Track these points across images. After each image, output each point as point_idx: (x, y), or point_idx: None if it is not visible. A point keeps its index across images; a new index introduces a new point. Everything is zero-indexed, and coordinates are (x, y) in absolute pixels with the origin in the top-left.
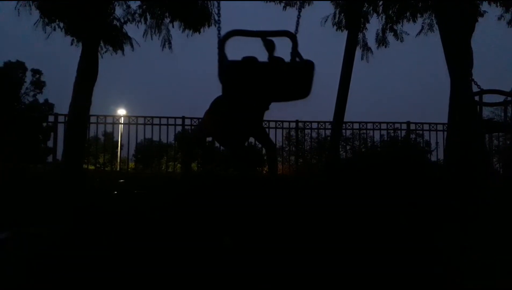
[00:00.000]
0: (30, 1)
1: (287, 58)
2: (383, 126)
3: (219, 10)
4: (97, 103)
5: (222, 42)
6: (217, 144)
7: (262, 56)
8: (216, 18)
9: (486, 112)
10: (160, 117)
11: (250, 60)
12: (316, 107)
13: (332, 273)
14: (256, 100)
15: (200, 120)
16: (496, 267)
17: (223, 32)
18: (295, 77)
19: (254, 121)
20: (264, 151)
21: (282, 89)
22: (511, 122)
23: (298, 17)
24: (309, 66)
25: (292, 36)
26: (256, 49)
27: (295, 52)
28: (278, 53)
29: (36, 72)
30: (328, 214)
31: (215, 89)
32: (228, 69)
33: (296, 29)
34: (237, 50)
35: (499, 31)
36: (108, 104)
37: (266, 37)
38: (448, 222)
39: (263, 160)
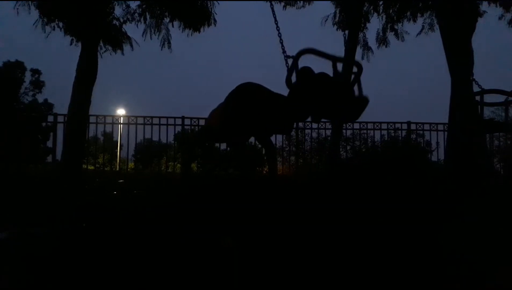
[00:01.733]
0: (29, 1)
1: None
2: (384, 126)
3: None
4: (97, 103)
5: (297, 57)
6: (217, 144)
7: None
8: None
9: (487, 112)
10: (159, 117)
11: (308, 74)
12: None
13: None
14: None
15: (205, 119)
16: (497, 267)
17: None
18: (350, 106)
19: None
20: (264, 151)
21: (336, 109)
22: None
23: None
24: (364, 102)
25: (360, 66)
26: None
27: (357, 79)
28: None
29: (35, 72)
30: (328, 216)
31: (215, 89)
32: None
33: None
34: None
35: (500, 30)
36: (107, 104)
37: (338, 62)
38: (448, 222)
39: (263, 160)
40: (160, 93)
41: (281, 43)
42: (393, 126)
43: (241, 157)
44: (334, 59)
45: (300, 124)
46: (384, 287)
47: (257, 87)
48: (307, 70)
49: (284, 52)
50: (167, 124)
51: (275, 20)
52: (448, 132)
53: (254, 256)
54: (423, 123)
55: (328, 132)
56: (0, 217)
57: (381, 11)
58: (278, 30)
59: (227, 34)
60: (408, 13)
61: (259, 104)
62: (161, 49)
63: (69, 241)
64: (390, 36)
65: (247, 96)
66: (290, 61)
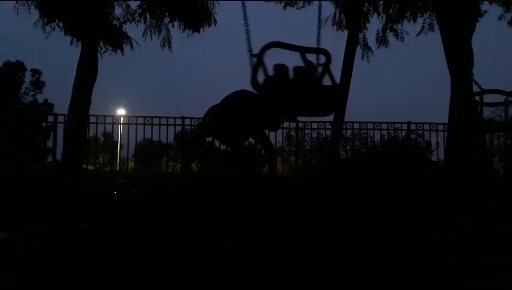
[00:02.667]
0: (30, 1)
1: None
2: (384, 126)
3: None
4: (97, 103)
5: (262, 51)
6: (217, 144)
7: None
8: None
9: (487, 112)
10: (159, 117)
11: (283, 71)
12: None
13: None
14: (287, 114)
15: (201, 119)
16: (498, 267)
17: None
18: (322, 97)
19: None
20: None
21: (307, 105)
22: (511, 122)
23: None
24: (338, 90)
25: (328, 54)
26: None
27: (326, 69)
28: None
29: (35, 72)
30: (328, 216)
31: (215, 90)
32: (267, 83)
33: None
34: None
35: (500, 30)
36: (107, 104)
37: (305, 52)
38: (448, 223)
39: (263, 161)
40: (160, 93)
41: (248, 40)
42: (393, 126)
43: (240, 157)
44: (302, 50)
45: (300, 124)
46: (384, 286)
47: (248, 93)
48: (280, 67)
49: (249, 50)
50: (167, 124)
51: (245, 16)
52: (448, 132)
53: (254, 256)
54: (423, 123)
55: (328, 132)
56: (0, 217)
57: (381, 11)
58: (247, 27)
59: (227, 34)
60: (408, 13)
61: (249, 107)
62: (161, 49)
63: (69, 241)
64: (390, 36)
65: (240, 100)
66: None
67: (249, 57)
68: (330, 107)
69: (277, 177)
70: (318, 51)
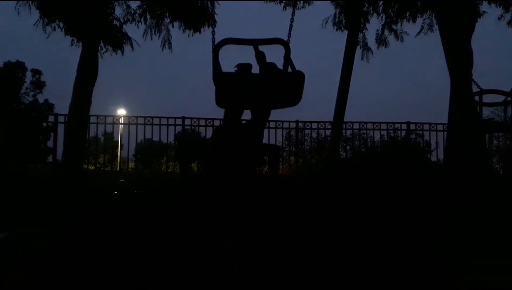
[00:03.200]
0: (30, 1)
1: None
2: (383, 126)
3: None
4: (97, 103)
5: (215, 50)
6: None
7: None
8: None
9: (486, 112)
10: (160, 117)
11: (245, 70)
12: (316, 107)
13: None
14: (252, 109)
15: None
16: (498, 267)
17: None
18: (287, 86)
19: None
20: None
21: (274, 97)
22: (511, 122)
23: (292, 20)
24: (300, 76)
25: (285, 44)
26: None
27: (287, 59)
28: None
29: (36, 72)
30: (328, 216)
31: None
32: (223, 81)
33: (289, 34)
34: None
35: (499, 31)
36: (108, 104)
37: (259, 45)
38: (448, 223)
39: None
40: (160, 93)
41: (213, 41)
42: (392, 126)
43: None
44: (256, 42)
45: (300, 124)
46: (383, 286)
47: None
48: (243, 66)
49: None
50: (167, 124)
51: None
52: (447, 132)
53: (254, 256)
54: (422, 123)
55: (328, 132)
56: (1, 217)
57: (380, 11)
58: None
59: (227, 35)
60: (408, 14)
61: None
62: (162, 50)
63: (69, 241)
64: (390, 36)
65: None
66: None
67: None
68: (295, 94)
69: (277, 177)
70: (273, 41)
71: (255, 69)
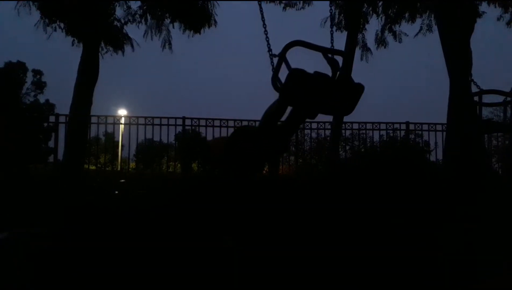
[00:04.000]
0: (30, 2)
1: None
2: (383, 126)
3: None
4: (98, 103)
5: (285, 49)
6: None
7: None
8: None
9: (486, 112)
10: (160, 118)
11: (320, 75)
12: None
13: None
14: (311, 110)
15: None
16: (498, 267)
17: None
18: (348, 96)
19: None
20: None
21: (335, 105)
22: (510, 122)
23: (332, 33)
24: (360, 89)
25: (344, 55)
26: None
27: (343, 69)
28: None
29: (37, 72)
30: (328, 216)
31: (215, 90)
32: (296, 74)
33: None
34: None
35: (498, 31)
36: (109, 104)
37: (325, 53)
38: (448, 222)
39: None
40: (161, 93)
41: (267, 40)
42: (391, 126)
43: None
44: (324, 50)
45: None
46: (383, 286)
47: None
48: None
49: (269, 50)
50: (168, 124)
51: (263, 17)
52: (446, 132)
53: (254, 256)
54: (421, 124)
55: (328, 132)
56: (1, 217)
57: (380, 12)
58: (265, 28)
59: (227, 35)
60: (407, 14)
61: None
62: (162, 50)
63: (69, 241)
64: (389, 37)
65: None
66: (276, 60)
67: (270, 58)
68: (350, 104)
69: (277, 177)
70: (335, 52)
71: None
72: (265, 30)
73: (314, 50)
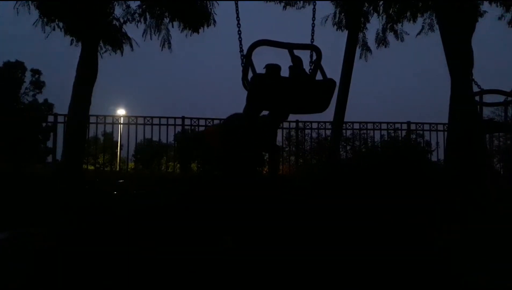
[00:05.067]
0: (29, 1)
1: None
2: (384, 126)
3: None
4: (97, 103)
5: (250, 50)
6: None
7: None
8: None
9: (487, 112)
10: (159, 117)
11: (275, 71)
12: None
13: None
14: (280, 112)
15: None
16: (497, 266)
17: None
18: (318, 93)
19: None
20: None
21: (302, 102)
22: (511, 122)
23: (313, 26)
24: (331, 84)
25: (318, 51)
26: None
27: (318, 65)
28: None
29: (35, 72)
30: (328, 216)
31: (215, 90)
32: (256, 81)
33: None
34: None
35: (500, 31)
36: (107, 104)
37: (294, 49)
38: (449, 222)
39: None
40: (160, 93)
41: (240, 41)
42: (393, 126)
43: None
44: (291, 46)
45: (300, 124)
46: (383, 286)
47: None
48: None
49: (240, 50)
50: (167, 124)
51: (237, 17)
52: (448, 132)
53: (254, 256)
54: (423, 123)
55: (328, 132)
56: (1, 217)
57: (381, 11)
58: (239, 28)
59: (227, 35)
60: (408, 14)
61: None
62: (161, 50)
63: (69, 241)
64: (390, 36)
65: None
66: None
67: (240, 58)
68: (324, 102)
69: (277, 177)
70: (308, 47)
71: (284, 71)
72: (239, 30)
73: (281, 48)
